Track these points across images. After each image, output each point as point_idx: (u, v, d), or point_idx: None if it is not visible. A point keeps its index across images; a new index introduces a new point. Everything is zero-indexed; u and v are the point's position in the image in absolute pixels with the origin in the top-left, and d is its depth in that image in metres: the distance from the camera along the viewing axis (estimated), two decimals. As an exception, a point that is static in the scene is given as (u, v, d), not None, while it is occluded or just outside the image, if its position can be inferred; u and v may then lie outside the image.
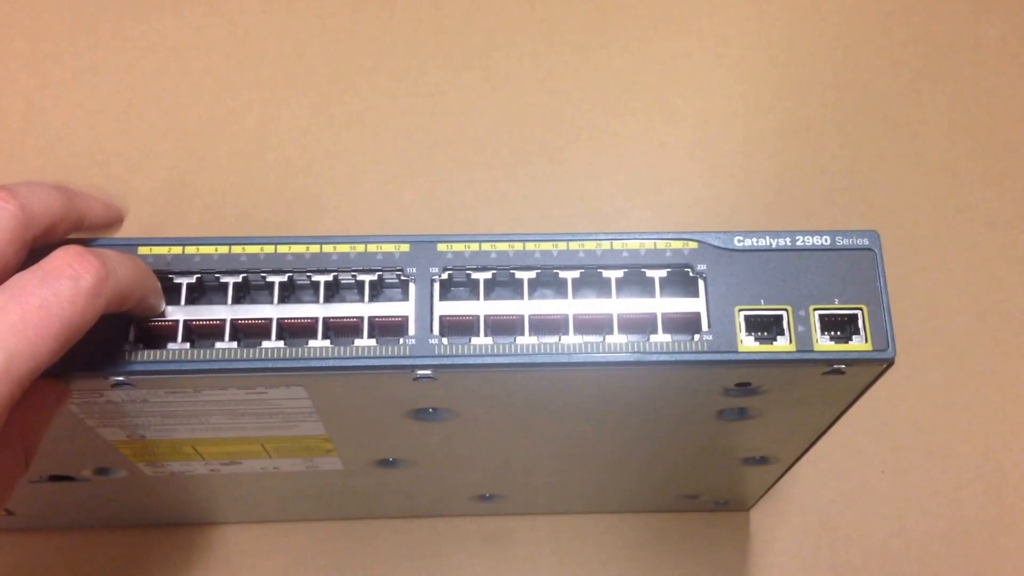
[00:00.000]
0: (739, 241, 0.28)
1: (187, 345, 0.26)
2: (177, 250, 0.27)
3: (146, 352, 0.26)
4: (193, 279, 0.27)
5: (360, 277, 0.27)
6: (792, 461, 0.38)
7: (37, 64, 0.53)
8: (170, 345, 0.26)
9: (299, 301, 0.27)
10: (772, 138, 0.52)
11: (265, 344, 0.26)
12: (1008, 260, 0.50)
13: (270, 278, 0.27)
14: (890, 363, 0.27)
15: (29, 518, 0.42)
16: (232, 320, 0.27)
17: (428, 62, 0.53)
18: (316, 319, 0.27)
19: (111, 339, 0.26)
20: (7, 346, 0.22)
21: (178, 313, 0.27)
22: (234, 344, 0.26)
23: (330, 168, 0.51)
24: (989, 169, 0.52)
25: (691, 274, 0.28)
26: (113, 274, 0.24)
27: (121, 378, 0.26)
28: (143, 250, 0.27)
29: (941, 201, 0.52)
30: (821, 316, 0.27)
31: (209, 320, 0.26)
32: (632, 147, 0.52)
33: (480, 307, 0.27)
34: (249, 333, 0.27)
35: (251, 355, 0.26)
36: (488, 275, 0.27)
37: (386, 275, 0.27)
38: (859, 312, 0.27)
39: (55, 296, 0.23)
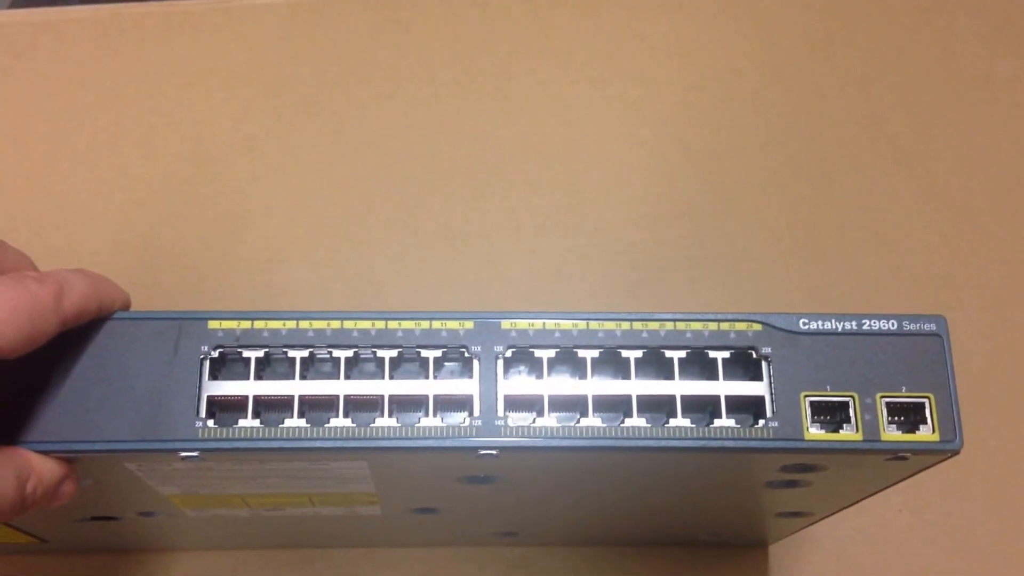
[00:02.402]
0: (804, 324, 0.28)
1: (257, 422, 0.26)
2: (246, 324, 0.27)
3: (217, 429, 0.26)
4: (261, 353, 0.27)
5: (424, 354, 0.27)
6: (826, 516, 0.38)
7: (62, 86, 0.53)
8: (241, 422, 0.26)
9: (362, 374, 0.28)
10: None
11: (333, 423, 0.26)
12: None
13: (336, 353, 0.27)
14: (956, 453, 0.27)
15: (61, 544, 0.42)
16: (300, 395, 0.27)
17: (443, 89, 0.53)
18: (382, 395, 0.27)
19: (181, 413, 0.26)
20: None
21: (247, 388, 0.27)
22: (303, 422, 0.26)
23: (345, 191, 0.51)
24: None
25: (755, 356, 0.27)
26: (68, 289, 0.26)
27: (193, 454, 0.26)
28: (213, 324, 0.27)
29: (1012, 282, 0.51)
30: (888, 404, 0.27)
31: (278, 395, 0.27)
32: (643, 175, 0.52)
33: (544, 386, 0.27)
34: (315, 407, 0.27)
35: (319, 434, 0.26)
36: (551, 353, 0.27)
37: (450, 352, 0.27)
38: (926, 401, 0.27)
39: (16, 294, 0.24)
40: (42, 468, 0.26)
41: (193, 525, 0.39)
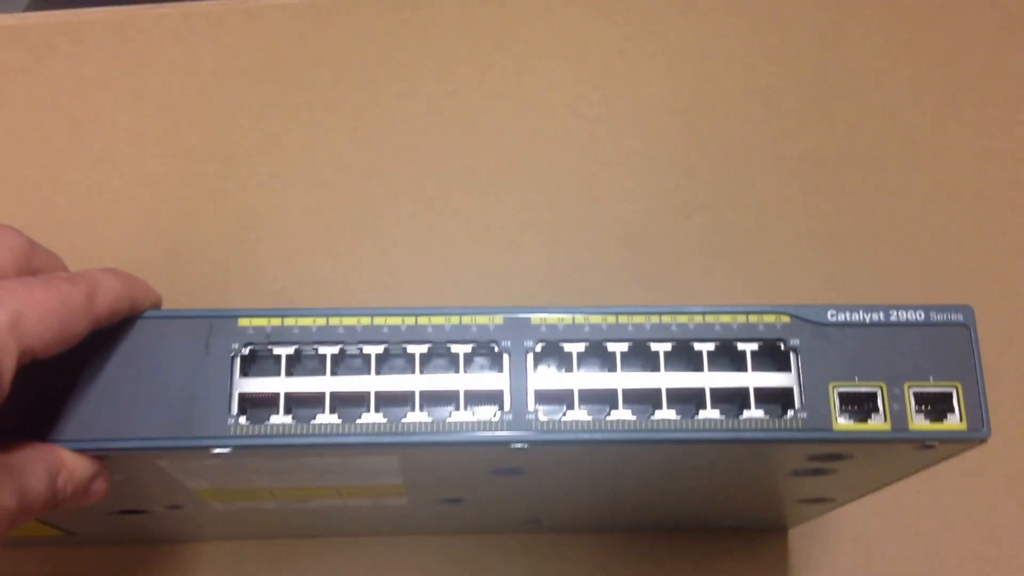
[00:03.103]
0: (832, 315, 0.28)
1: (289, 419, 0.27)
2: (276, 322, 0.27)
3: (249, 426, 0.26)
4: (291, 350, 0.27)
5: (454, 349, 0.28)
6: (848, 501, 0.38)
7: (81, 87, 0.53)
8: (272, 419, 0.26)
9: (393, 370, 0.28)
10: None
11: (365, 418, 0.27)
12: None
13: (367, 349, 0.27)
14: (984, 441, 0.27)
15: (88, 537, 0.43)
16: (331, 392, 0.27)
17: (460, 86, 0.53)
18: (413, 391, 0.27)
19: (214, 410, 0.26)
20: (17, 304, 0.23)
21: (278, 384, 0.27)
22: (335, 418, 0.27)
23: (365, 187, 0.51)
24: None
25: (783, 348, 0.28)
26: (101, 291, 0.26)
27: (225, 451, 0.26)
28: (243, 322, 0.27)
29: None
30: (916, 394, 0.27)
31: (309, 392, 0.27)
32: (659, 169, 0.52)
33: (574, 380, 0.27)
34: (346, 403, 0.27)
35: (351, 429, 0.26)
36: (581, 347, 0.28)
37: (480, 347, 0.28)
38: (953, 390, 0.27)
39: (47, 295, 0.24)
40: (74, 465, 0.26)
41: (219, 517, 0.39)
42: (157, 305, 0.28)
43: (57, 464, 0.26)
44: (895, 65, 0.55)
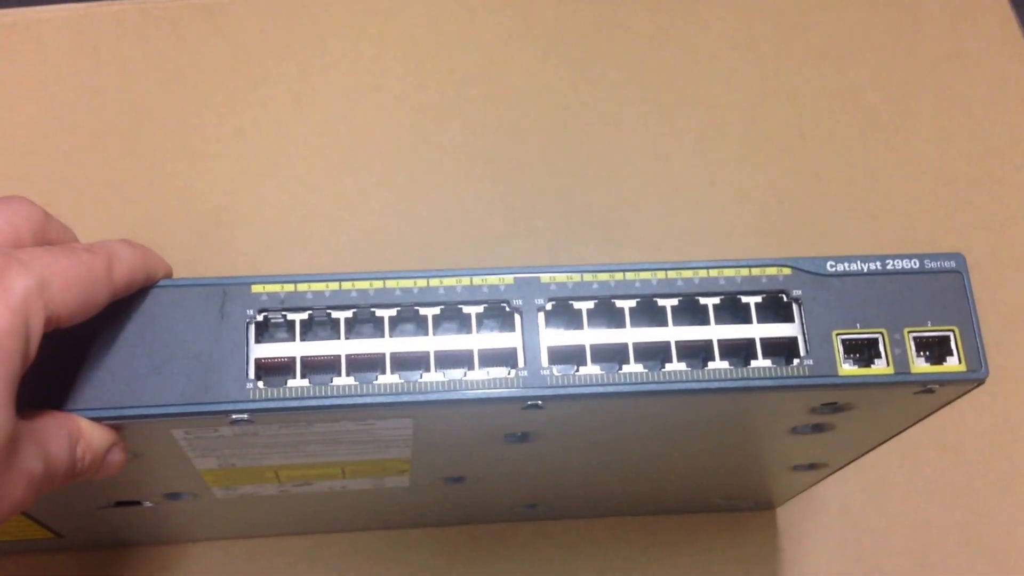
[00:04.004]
0: (832, 266, 0.29)
1: (306, 382, 0.27)
2: (290, 287, 0.27)
3: (268, 390, 0.26)
4: (305, 315, 0.27)
5: (466, 310, 0.28)
6: (840, 467, 0.39)
7: (39, 88, 0.53)
8: (290, 382, 0.27)
9: (406, 332, 0.28)
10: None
11: (381, 379, 0.27)
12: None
13: (379, 312, 0.28)
14: (982, 382, 0.28)
15: (76, 539, 0.42)
16: (347, 355, 0.27)
17: (428, 78, 0.54)
18: (427, 352, 0.27)
19: (231, 375, 0.26)
20: (43, 270, 0.23)
21: (294, 349, 0.27)
22: (352, 379, 0.27)
23: (335, 181, 0.52)
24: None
25: (785, 299, 0.28)
26: (118, 260, 0.26)
27: (244, 415, 0.26)
28: (256, 288, 0.27)
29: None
30: (916, 339, 0.28)
31: (325, 355, 0.27)
32: (635, 160, 0.53)
33: (586, 336, 0.28)
34: (361, 367, 0.27)
35: (368, 390, 0.27)
36: (591, 304, 0.28)
37: (491, 307, 0.28)
38: (951, 333, 0.28)
39: (70, 262, 0.25)
40: (91, 435, 0.26)
41: (215, 509, 0.39)
42: (168, 276, 0.28)
43: (76, 433, 0.25)
44: (857, 49, 0.57)
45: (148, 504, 0.37)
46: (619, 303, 0.28)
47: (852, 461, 0.38)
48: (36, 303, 0.23)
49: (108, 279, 0.25)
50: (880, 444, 0.36)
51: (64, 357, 0.26)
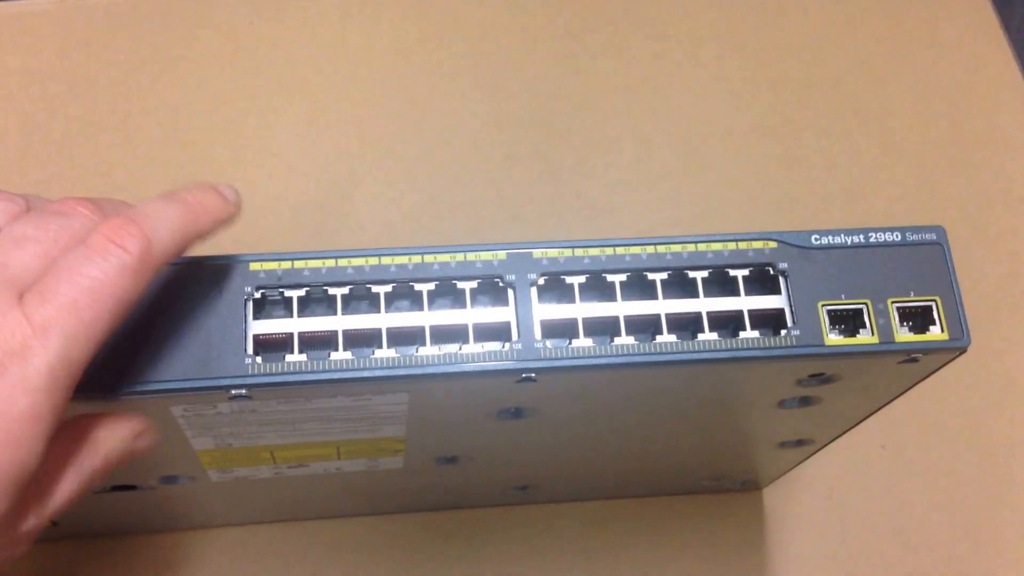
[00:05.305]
0: (816, 239, 0.29)
1: (304, 357, 0.27)
2: (287, 265, 0.28)
3: (266, 365, 0.27)
4: (303, 292, 0.28)
5: (460, 285, 0.28)
6: (826, 443, 0.40)
7: (31, 80, 0.53)
8: (288, 357, 0.27)
9: (401, 308, 0.28)
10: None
11: (378, 353, 0.27)
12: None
13: (375, 288, 0.28)
14: (964, 350, 0.29)
15: (69, 526, 0.42)
16: (343, 330, 0.28)
17: (416, 68, 0.55)
18: (423, 326, 0.28)
19: (230, 351, 0.27)
20: (64, 330, 0.22)
21: (291, 325, 0.28)
22: (349, 354, 0.27)
23: (326, 169, 0.52)
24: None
25: (772, 272, 0.29)
26: (157, 239, 0.24)
27: (243, 391, 0.27)
28: (254, 266, 0.28)
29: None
30: (899, 308, 0.29)
31: (322, 331, 0.28)
32: (623, 146, 0.54)
33: (578, 309, 0.28)
34: (358, 342, 0.28)
35: (365, 364, 0.27)
36: (582, 279, 0.29)
37: (485, 282, 0.29)
38: (933, 303, 0.29)
39: (103, 275, 0.23)
40: (114, 434, 0.26)
41: (210, 493, 0.39)
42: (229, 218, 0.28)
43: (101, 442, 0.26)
44: (838, 38, 0.58)
45: (144, 488, 0.37)
46: (610, 277, 0.29)
47: (837, 437, 0.39)
48: (61, 378, 0.22)
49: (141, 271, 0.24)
50: (865, 418, 0.36)
51: None
